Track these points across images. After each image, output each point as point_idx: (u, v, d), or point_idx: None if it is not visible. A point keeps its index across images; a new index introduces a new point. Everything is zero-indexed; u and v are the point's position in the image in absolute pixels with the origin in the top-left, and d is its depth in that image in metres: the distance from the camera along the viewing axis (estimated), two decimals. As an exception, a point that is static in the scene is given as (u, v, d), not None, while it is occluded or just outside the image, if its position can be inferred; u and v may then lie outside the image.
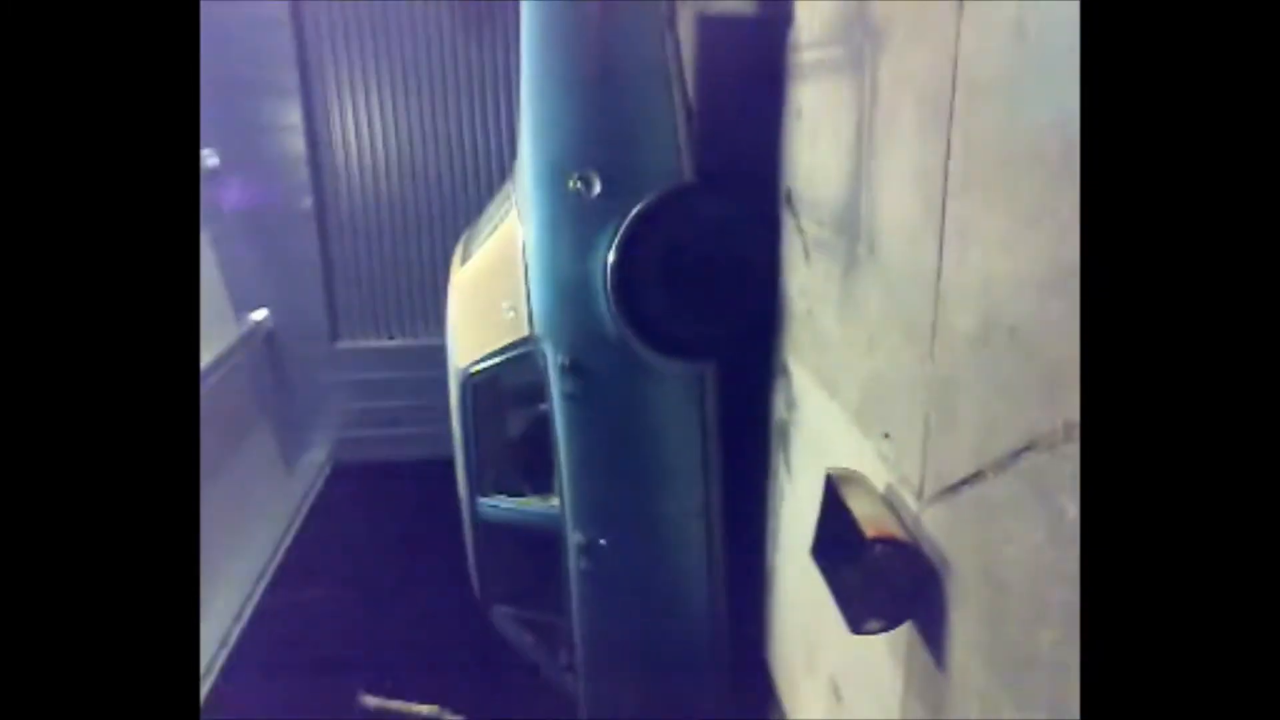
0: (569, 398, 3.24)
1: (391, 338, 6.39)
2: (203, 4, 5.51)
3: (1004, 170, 1.55)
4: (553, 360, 3.20)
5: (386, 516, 5.81)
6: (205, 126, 5.52)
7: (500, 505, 3.77)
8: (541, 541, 3.64)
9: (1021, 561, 1.51)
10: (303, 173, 6.00)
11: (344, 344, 6.44)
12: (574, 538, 3.46)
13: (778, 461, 3.29)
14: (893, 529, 1.93)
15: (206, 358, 5.15)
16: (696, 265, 3.07)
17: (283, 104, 5.87)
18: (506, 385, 3.99)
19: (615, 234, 2.99)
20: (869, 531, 1.91)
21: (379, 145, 6.09)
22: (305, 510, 6.01)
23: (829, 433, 2.64)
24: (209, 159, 5.74)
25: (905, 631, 2.00)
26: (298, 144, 5.95)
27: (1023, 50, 1.48)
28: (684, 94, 3.05)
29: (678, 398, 3.28)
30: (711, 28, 4.25)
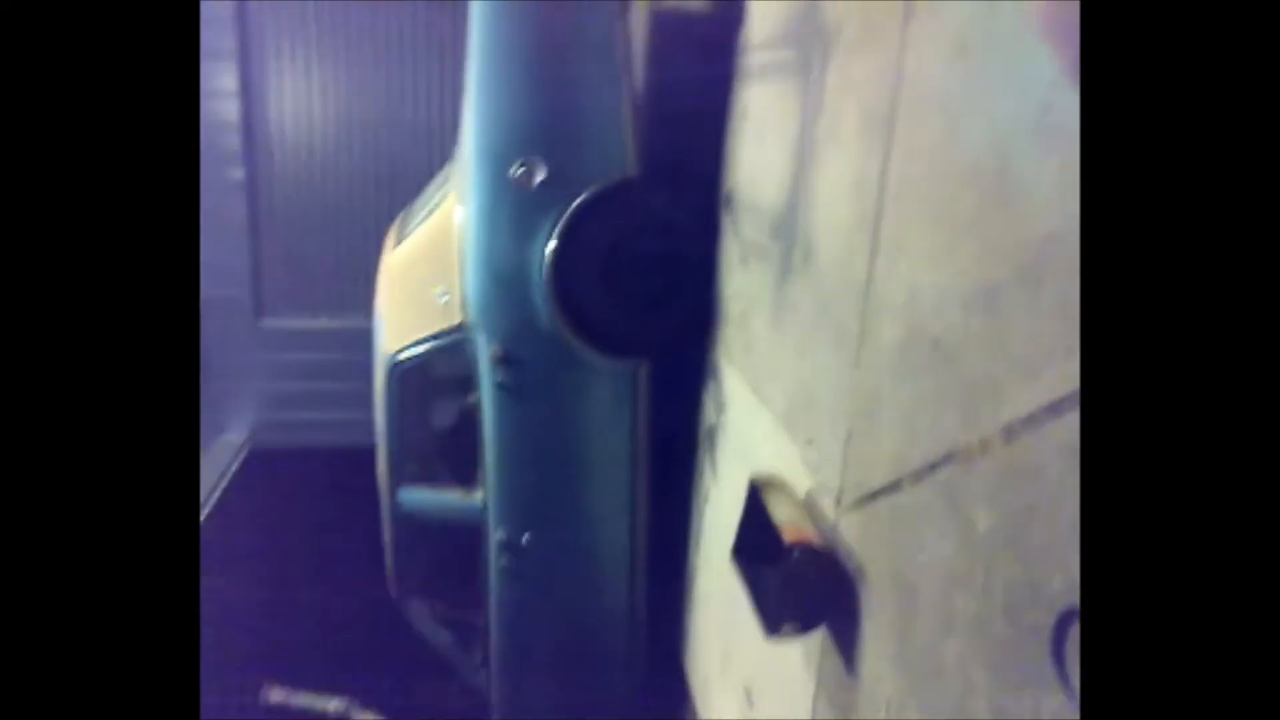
0: (499, 389, 3.20)
1: (317, 317, 6.24)
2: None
3: (939, 185, 1.58)
4: (484, 350, 3.17)
5: (303, 503, 5.66)
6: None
7: (421, 497, 3.71)
8: (462, 536, 3.59)
9: (932, 571, 1.54)
10: (234, 141, 5.81)
11: (269, 322, 6.26)
12: (496, 534, 3.43)
13: (705, 463, 3.31)
14: (811, 535, 1.96)
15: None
16: (636, 261, 3.08)
17: (218, 67, 5.68)
18: (434, 374, 3.93)
19: (556, 224, 2.97)
20: (788, 537, 1.93)
21: (317, 117, 5.94)
22: (217, 494, 5.82)
23: (756, 437, 2.66)
24: None
25: (818, 637, 2.03)
26: (231, 110, 5.76)
27: (964, 68, 1.52)
28: (632, 87, 3.05)
29: (609, 395, 3.28)
30: (664, 22, 4.26)
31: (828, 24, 2.15)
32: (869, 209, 1.84)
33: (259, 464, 6.25)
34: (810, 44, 2.26)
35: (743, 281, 2.84)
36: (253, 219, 6.01)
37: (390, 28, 5.84)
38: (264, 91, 5.84)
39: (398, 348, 3.48)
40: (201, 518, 5.50)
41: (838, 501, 1.95)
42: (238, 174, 5.86)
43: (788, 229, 2.39)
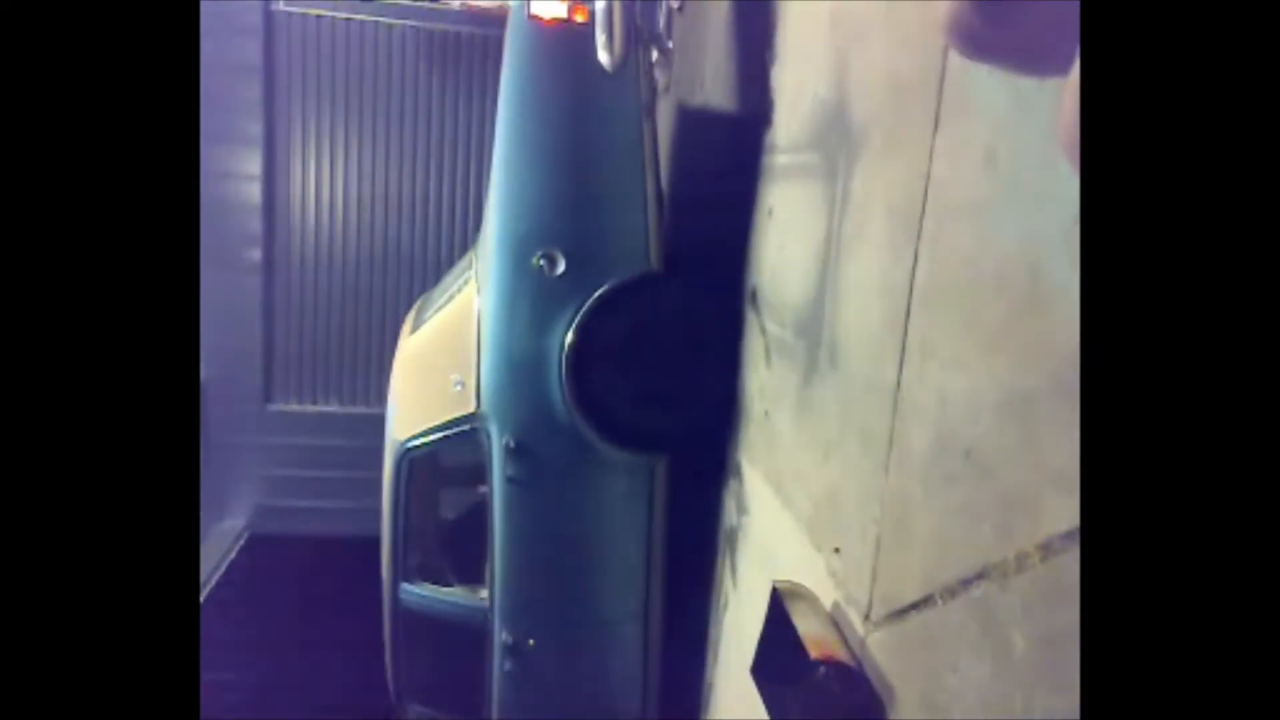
0: (510, 481, 3.20)
1: (328, 403, 6.29)
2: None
3: (969, 291, 1.61)
4: (497, 440, 3.18)
5: (301, 595, 5.59)
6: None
7: (425, 594, 3.65)
8: (466, 637, 3.52)
9: (966, 695, 1.50)
10: (255, 224, 6.00)
11: (277, 406, 6.31)
12: (500, 635, 3.36)
13: (724, 567, 3.26)
14: (837, 651, 1.91)
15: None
16: (656, 354, 3.11)
17: (244, 152, 5.91)
18: (445, 464, 3.93)
19: (575, 315, 3.02)
20: (813, 652, 1.89)
21: (339, 202, 6.13)
22: (214, 581, 5.77)
23: (779, 542, 2.63)
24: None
25: (844, 763, 1.96)
26: (254, 193, 5.96)
27: (993, 177, 1.57)
28: (657, 182, 3.14)
29: (625, 490, 3.26)
30: (690, 120, 4.42)
31: (854, 130, 2.23)
32: (897, 312, 1.87)
33: (257, 551, 6.21)
34: (836, 148, 2.33)
35: (766, 379, 2.86)
36: (267, 301, 6.13)
37: (413, 117, 6.08)
38: (287, 177, 6.05)
39: (408, 435, 3.50)
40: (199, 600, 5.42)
41: (866, 616, 1.92)
42: (256, 255, 6.03)
43: (813, 327, 2.42)
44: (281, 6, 5.76)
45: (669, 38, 5.26)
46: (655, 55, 5.11)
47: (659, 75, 5.18)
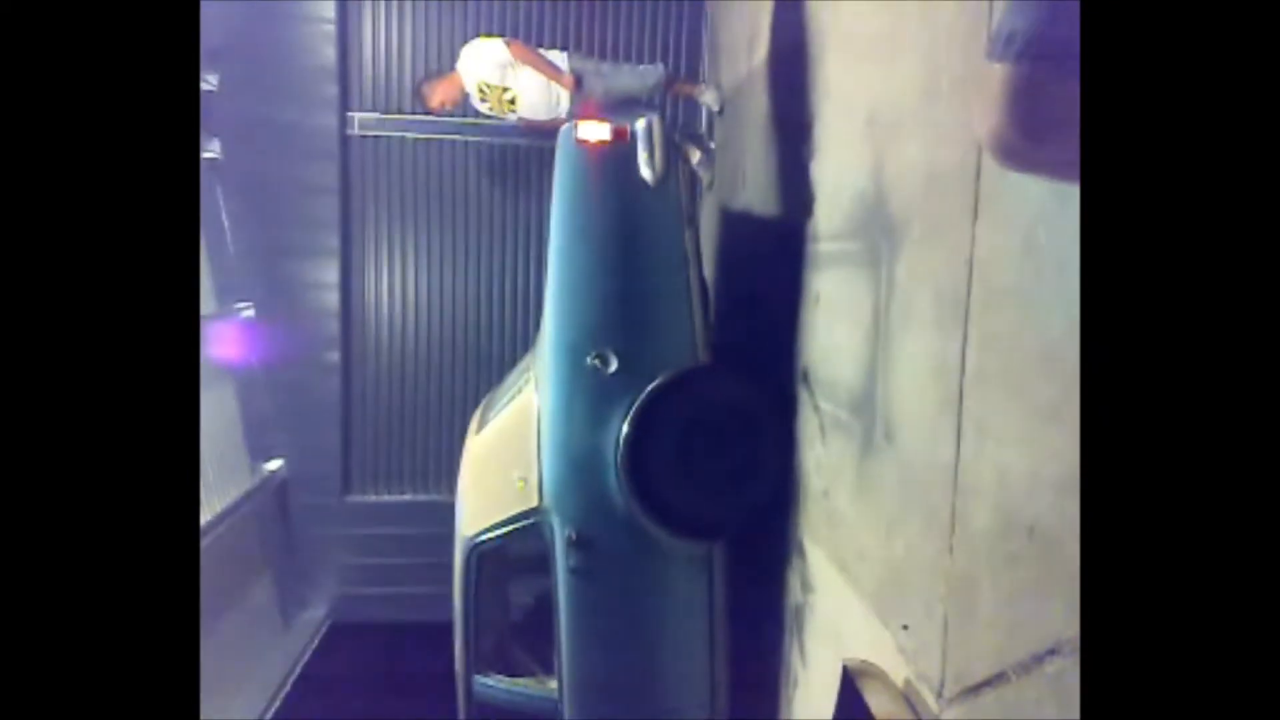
0: (573, 572, 3.18)
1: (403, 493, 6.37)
2: (261, 171, 5.86)
3: (1021, 369, 1.60)
4: (559, 533, 3.17)
5: (381, 682, 5.56)
6: (249, 284, 5.92)
7: (497, 685, 3.61)
8: (541, 728, 3.45)
9: (1050, 777, 1.43)
10: (334, 328, 6.21)
11: (355, 497, 6.41)
12: (570, 725, 3.29)
13: (792, 646, 3.17)
14: (913, 731, 1.84)
15: (218, 506, 5.15)
16: (710, 443, 3.11)
17: (324, 263, 6.17)
18: (512, 557, 3.92)
19: (630, 410, 3.05)
20: (888, 733, 1.82)
21: (410, 306, 6.33)
22: (298, 671, 5.78)
23: (846, 619, 2.56)
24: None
25: None
26: (332, 301, 6.19)
27: (1035, 260, 1.57)
28: (700, 281, 3.20)
29: (684, 578, 3.21)
30: (735, 215, 4.51)
31: (895, 219, 2.25)
32: (951, 390, 1.86)
33: (338, 639, 6.21)
34: (879, 236, 2.36)
35: (823, 456, 2.83)
36: (345, 400, 6.29)
37: (477, 224, 6.30)
38: (362, 284, 6.29)
39: (476, 530, 3.52)
40: (279, 698, 5.44)
41: (939, 693, 1.85)
42: (334, 357, 6.22)
43: (867, 406, 2.40)
44: (356, 132, 6.08)
45: (710, 139, 5.42)
46: (698, 156, 5.27)
47: (702, 174, 5.32)
